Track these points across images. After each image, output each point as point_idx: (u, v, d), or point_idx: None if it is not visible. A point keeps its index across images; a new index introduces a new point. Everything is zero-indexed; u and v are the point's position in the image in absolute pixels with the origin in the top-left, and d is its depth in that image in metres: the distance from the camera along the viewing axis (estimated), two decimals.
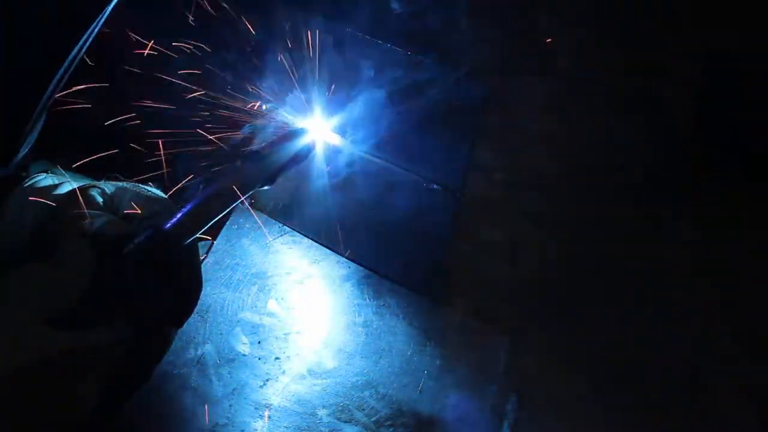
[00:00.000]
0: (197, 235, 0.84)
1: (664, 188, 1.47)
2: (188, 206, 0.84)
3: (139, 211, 0.84)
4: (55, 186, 0.93)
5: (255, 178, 0.96)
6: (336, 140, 1.19)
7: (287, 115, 1.19)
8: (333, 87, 1.19)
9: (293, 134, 1.06)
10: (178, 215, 0.82)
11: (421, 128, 1.18)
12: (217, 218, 0.88)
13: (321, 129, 1.17)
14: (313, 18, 1.19)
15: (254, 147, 1.11)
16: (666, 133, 1.54)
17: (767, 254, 1.37)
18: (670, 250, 1.36)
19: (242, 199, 0.92)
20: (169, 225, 0.81)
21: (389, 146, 1.20)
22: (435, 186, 1.18)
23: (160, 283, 0.79)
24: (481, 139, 1.34)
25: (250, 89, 1.20)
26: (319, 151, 1.22)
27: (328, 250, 1.30)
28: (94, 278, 0.75)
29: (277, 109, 1.19)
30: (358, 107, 1.19)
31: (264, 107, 1.20)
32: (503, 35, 1.62)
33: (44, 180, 0.97)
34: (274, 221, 1.34)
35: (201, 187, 0.97)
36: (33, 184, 0.96)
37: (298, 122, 1.17)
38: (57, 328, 0.71)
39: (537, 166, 1.46)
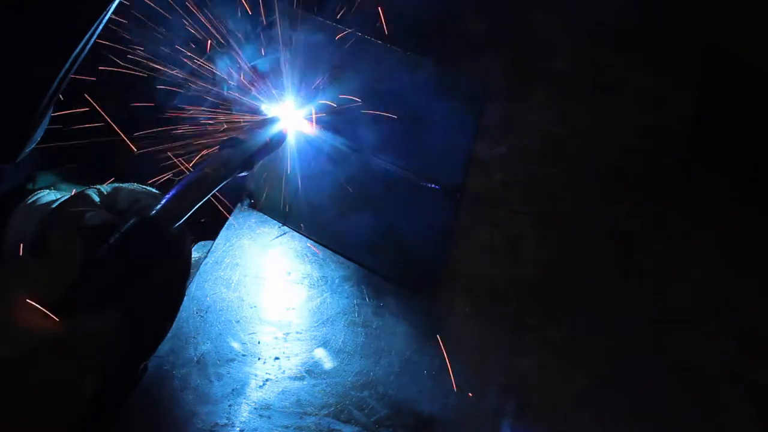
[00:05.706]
0: (183, 221, 0.86)
1: (664, 188, 1.47)
2: (170, 193, 0.87)
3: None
4: (56, 201, 0.95)
5: (233, 163, 0.99)
6: (327, 136, 1.20)
7: (268, 105, 1.19)
8: (323, 82, 1.19)
9: (270, 121, 1.09)
10: (162, 202, 0.85)
11: (420, 128, 1.17)
12: (200, 203, 0.90)
13: (301, 118, 1.18)
14: (307, 13, 1.19)
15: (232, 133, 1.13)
16: (665, 133, 1.54)
17: (767, 252, 1.37)
18: (670, 250, 1.37)
19: (223, 184, 0.95)
20: (153, 212, 0.83)
21: (388, 146, 1.19)
22: (434, 185, 1.17)
23: (148, 269, 0.81)
24: (481, 138, 1.33)
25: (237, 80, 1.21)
26: (315, 150, 1.22)
27: (327, 250, 1.30)
28: (82, 267, 0.77)
29: (260, 99, 1.20)
30: (351, 104, 1.18)
31: (262, 106, 1.20)
32: (503, 34, 1.62)
33: (46, 196, 0.99)
34: (273, 221, 1.34)
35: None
36: (35, 201, 0.98)
37: (276, 111, 1.18)
38: (49, 318, 0.72)
39: (537, 166, 1.47)
